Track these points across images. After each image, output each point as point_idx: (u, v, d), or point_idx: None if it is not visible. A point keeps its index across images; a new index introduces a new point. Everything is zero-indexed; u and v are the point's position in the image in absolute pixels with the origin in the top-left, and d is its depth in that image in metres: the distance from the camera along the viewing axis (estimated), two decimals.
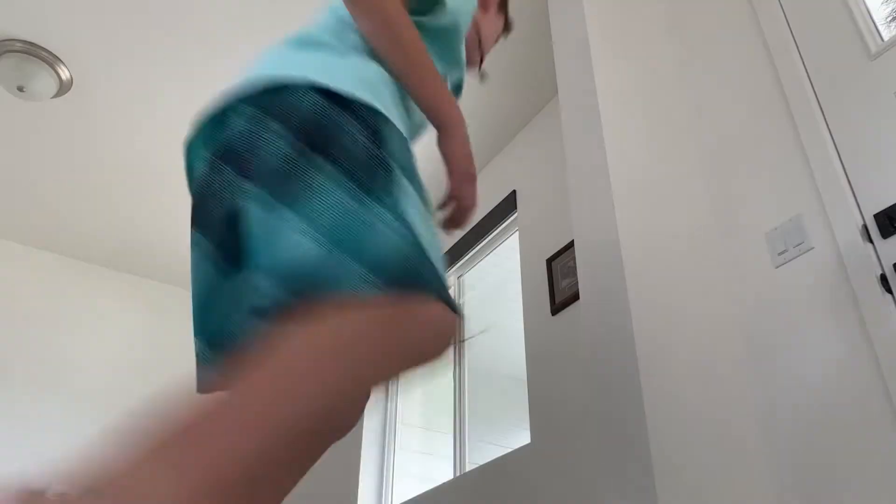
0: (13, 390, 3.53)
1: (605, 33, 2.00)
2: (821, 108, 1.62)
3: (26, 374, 3.60)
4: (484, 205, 3.23)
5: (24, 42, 2.68)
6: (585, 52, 1.94)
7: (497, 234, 3.11)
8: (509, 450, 2.48)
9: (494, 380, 2.89)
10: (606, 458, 1.45)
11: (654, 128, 1.91)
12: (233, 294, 0.81)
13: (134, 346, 3.99)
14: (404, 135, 0.87)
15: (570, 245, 2.47)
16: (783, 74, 1.73)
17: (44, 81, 2.77)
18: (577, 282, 2.35)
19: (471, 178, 0.99)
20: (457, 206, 1.01)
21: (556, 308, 2.44)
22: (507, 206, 3.00)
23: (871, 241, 1.43)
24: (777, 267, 1.60)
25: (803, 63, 1.70)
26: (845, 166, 1.53)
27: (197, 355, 0.86)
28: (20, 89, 2.76)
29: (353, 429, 3.79)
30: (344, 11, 0.96)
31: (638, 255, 1.62)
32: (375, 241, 0.72)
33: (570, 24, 2.07)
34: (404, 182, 0.80)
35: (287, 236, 0.72)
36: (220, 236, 0.81)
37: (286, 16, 2.60)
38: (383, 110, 0.83)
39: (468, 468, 2.82)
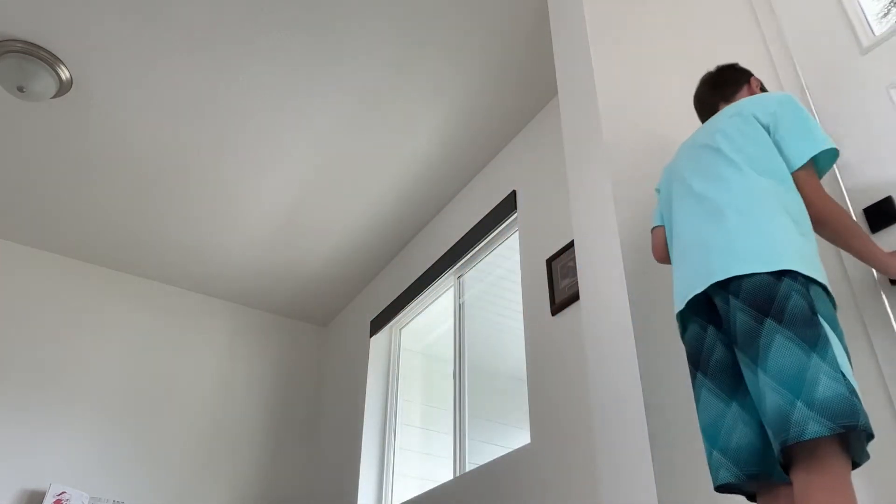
0: (15, 391, 3.53)
1: (605, 33, 2.00)
2: (812, 103, 1.62)
3: (28, 375, 3.60)
4: (484, 205, 3.23)
5: (24, 42, 2.68)
6: (585, 52, 1.94)
7: (497, 234, 3.11)
8: (509, 450, 2.48)
9: (494, 380, 2.89)
10: (606, 457, 1.45)
11: (653, 127, 1.91)
12: (736, 416, 1.16)
13: (136, 347, 3.99)
14: (826, 289, 1.15)
15: (570, 245, 2.47)
16: (777, 68, 1.73)
17: (44, 81, 2.77)
18: (577, 282, 2.35)
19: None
20: None
21: (556, 308, 2.44)
22: (507, 206, 3.01)
23: None
24: None
25: (795, 58, 1.70)
26: (836, 161, 1.53)
27: (712, 458, 1.18)
28: (20, 89, 2.76)
29: (352, 428, 3.79)
30: (767, 182, 1.25)
31: (638, 255, 1.62)
32: (824, 392, 1.00)
33: (570, 24, 2.07)
34: (832, 335, 1.08)
35: (767, 396, 1.05)
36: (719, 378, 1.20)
37: (286, 18, 2.60)
38: (821, 280, 1.13)
39: (468, 468, 2.82)
